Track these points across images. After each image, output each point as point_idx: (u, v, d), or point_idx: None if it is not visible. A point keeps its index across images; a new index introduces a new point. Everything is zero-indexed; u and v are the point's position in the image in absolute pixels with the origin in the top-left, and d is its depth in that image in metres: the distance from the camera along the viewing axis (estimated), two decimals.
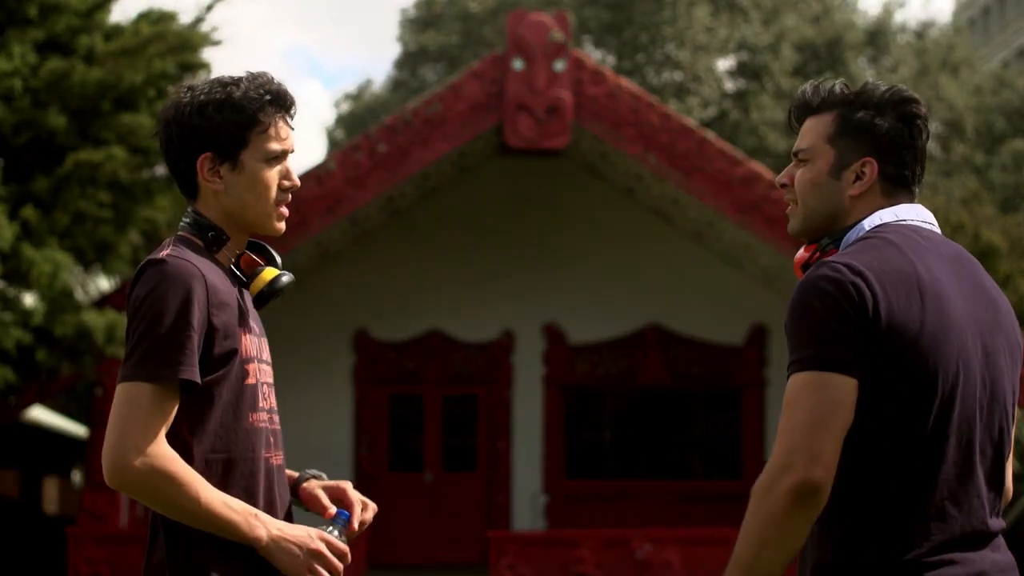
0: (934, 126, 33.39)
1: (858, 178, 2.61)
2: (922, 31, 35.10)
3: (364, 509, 2.88)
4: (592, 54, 30.67)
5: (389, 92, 33.77)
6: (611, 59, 31.28)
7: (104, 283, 17.22)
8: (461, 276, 18.24)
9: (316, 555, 2.70)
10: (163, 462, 2.60)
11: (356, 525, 2.84)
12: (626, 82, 16.01)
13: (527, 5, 28.47)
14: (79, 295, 15.02)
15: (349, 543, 2.79)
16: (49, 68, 13.34)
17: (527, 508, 18.07)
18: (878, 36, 33.16)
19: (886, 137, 2.60)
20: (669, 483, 18.22)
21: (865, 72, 32.69)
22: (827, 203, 2.63)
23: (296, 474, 2.95)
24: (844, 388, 2.37)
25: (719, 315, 18.09)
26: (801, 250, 2.69)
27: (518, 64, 15.44)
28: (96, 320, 13.38)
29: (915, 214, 2.61)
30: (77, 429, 23.78)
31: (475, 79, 15.66)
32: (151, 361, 2.61)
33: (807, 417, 2.36)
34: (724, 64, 31.76)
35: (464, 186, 18.19)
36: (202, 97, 2.77)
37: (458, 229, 18.30)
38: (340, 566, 2.73)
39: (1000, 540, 2.51)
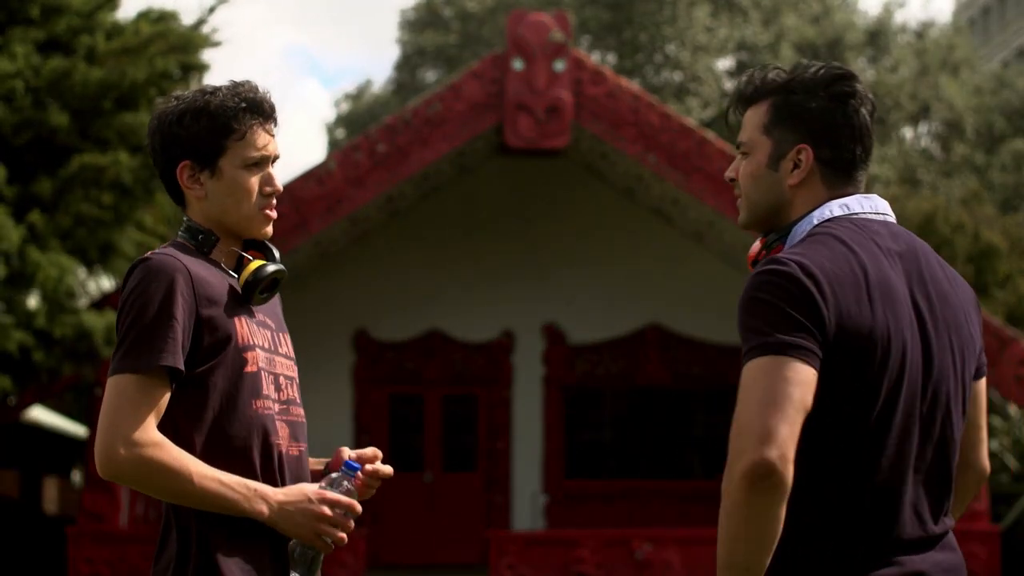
0: (934, 126, 33.38)
1: (796, 166, 2.53)
2: (922, 31, 35.11)
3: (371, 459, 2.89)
4: (592, 54, 30.66)
5: (389, 94, 33.79)
6: (611, 59, 31.29)
7: (107, 283, 17.23)
8: (461, 276, 18.25)
9: (321, 518, 2.72)
10: (151, 449, 2.64)
11: (366, 467, 2.85)
12: (626, 82, 16.01)
13: (526, 5, 28.47)
14: (81, 296, 15.03)
15: (361, 501, 2.81)
16: (50, 67, 13.34)
17: (527, 508, 18.07)
18: (878, 36, 33.18)
19: (818, 120, 2.51)
20: (669, 483, 18.22)
21: (865, 72, 32.68)
22: (768, 195, 2.56)
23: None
24: (798, 371, 2.28)
25: (719, 315, 18.09)
26: (755, 243, 2.64)
27: (518, 64, 15.44)
28: (95, 321, 13.38)
29: (869, 206, 2.53)
30: (77, 429, 23.78)
31: (475, 79, 15.67)
32: (135, 352, 2.67)
33: (758, 398, 2.27)
34: (724, 64, 31.77)
35: (464, 186, 18.19)
36: (182, 106, 2.84)
37: (458, 229, 18.31)
38: (349, 522, 2.75)
39: (948, 540, 2.46)
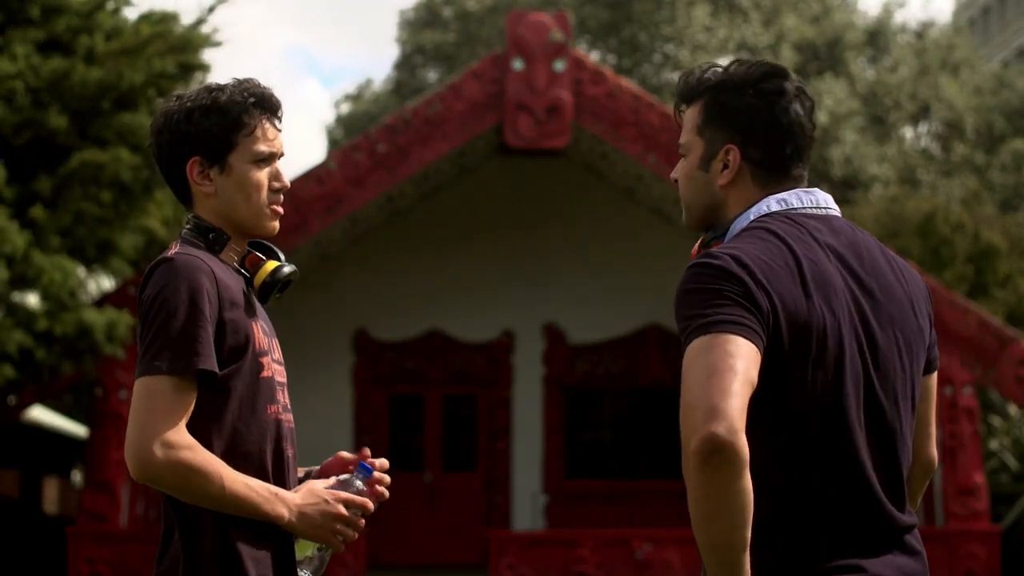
0: (934, 126, 33.37)
1: (725, 166, 2.50)
2: (922, 31, 35.09)
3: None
4: (591, 54, 30.67)
5: (389, 95, 33.80)
6: (611, 59, 31.30)
7: (106, 282, 17.22)
8: (461, 276, 18.25)
9: (337, 518, 2.77)
10: (186, 452, 2.64)
11: (376, 474, 2.90)
12: (626, 82, 16.01)
13: (526, 5, 28.49)
14: (80, 294, 15.04)
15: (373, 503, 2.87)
16: (50, 68, 13.36)
17: (527, 508, 18.07)
18: (878, 36, 33.17)
19: (746, 119, 2.47)
20: (669, 483, 18.21)
21: (865, 72, 32.70)
22: (701, 196, 2.54)
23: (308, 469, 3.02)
24: (738, 345, 2.23)
25: None
26: (696, 243, 2.61)
27: (518, 64, 15.44)
28: (96, 319, 13.39)
29: (808, 200, 2.49)
30: (77, 429, 23.78)
31: (475, 79, 15.67)
32: (168, 354, 2.65)
33: (700, 376, 2.20)
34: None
35: (464, 186, 18.19)
36: (189, 104, 2.84)
37: (458, 229, 18.31)
38: (362, 521, 2.81)
39: (909, 541, 2.41)
